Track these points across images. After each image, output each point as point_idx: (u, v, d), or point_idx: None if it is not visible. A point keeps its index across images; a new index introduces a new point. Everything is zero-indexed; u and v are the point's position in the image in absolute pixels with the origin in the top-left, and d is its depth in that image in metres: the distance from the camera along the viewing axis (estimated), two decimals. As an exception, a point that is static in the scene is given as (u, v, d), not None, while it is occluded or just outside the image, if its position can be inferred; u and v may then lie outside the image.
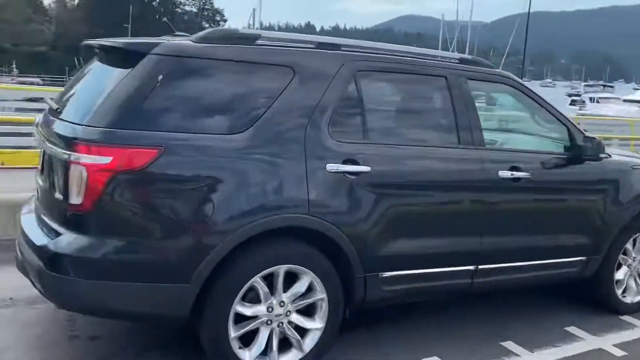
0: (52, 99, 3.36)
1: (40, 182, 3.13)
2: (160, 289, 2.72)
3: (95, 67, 3.23)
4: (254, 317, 2.88)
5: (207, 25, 75.58)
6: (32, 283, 2.91)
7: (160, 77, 2.72)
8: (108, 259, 2.66)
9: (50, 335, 3.40)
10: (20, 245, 3.07)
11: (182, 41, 2.98)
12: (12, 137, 9.80)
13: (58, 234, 2.73)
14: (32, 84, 35.76)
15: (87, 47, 3.32)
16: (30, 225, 3.09)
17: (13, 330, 3.42)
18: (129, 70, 2.76)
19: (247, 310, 2.85)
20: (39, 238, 2.84)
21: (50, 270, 2.66)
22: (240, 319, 2.85)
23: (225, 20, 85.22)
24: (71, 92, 3.28)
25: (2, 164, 7.74)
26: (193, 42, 2.93)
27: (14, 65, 58.41)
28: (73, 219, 2.68)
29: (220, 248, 2.72)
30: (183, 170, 2.73)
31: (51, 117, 3.04)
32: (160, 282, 2.71)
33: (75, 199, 2.61)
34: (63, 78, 52.73)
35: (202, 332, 2.84)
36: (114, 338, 3.39)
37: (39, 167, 3.19)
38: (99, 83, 3.05)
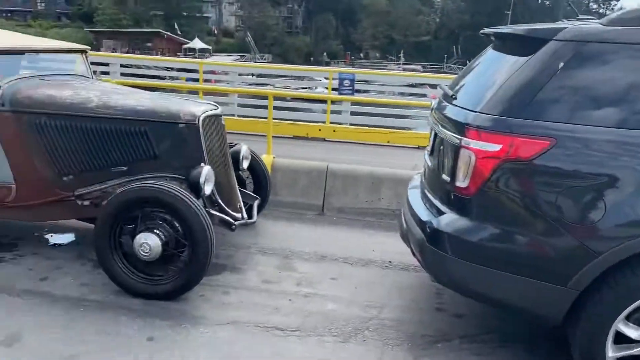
0: (447, 85, 3.59)
1: (429, 162, 3.40)
2: (531, 284, 2.62)
3: (490, 55, 3.28)
4: (638, 342, 2.49)
5: (594, 7, 68.62)
6: (412, 252, 3.22)
7: (561, 64, 2.56)
8: (483, 244, 2.71)
9: (420, 302, 3.74)
10: (405, 217, 3.43)
11: (590, 25, 2.73)
12: (396, 119, 11.10)
13: (441, 213, 2.92)
14: (413, 70, 39.78)
15: (484, 35, 3.40)
16: (415, 200, 3.41)
17: (390, 290, 3.89)
18: (527, 57, 2.69)
19: (631, 332, 2.49)
20: (424, 213, 3.11)
21: (430, 244, 2.88)
22: (621, 339, 2.51)
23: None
24: (465, 79, 3.42)
25: (388, 142, 8.86)
26: (602, 25, 2.64)
27: (401, 54, 65.94)
28: (456, 201, 2.82)
29: (608, 256, 2.43)
30: (573, 165, 2.53)
31: (445, 103, 3.25)
32: (532, 278, 2.61)
33: (461, 182, 2.74)
34: (441, 65, 56.47)
35: (574, 340, 2.62)
36: (478, 320, 3.49)
37: (429, 148, 3.48)
38: (493, 71, 3.08)
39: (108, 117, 3.78)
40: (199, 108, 3.94)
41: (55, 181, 3.84)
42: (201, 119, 3.86)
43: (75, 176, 3.85)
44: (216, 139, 4.06)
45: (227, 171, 4.19)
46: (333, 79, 11.48)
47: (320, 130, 9.35)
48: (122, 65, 11.71)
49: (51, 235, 4.50)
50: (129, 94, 4.02)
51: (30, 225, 4.59)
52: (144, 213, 3.49)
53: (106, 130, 3.78)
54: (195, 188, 3.68)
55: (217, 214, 3.89)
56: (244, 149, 4.57)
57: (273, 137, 8.94)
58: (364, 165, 5.90)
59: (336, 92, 11.12)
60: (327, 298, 3.71)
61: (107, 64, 11.67)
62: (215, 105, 4.11)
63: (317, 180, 5.49)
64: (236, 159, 4.51)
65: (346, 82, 10.83)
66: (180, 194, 3.39)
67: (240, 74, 14.33)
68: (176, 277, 3.50)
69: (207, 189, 3.74)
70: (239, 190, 4.56)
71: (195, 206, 3.40)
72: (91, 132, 3.78)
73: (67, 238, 4.48)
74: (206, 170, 3.70)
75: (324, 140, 9.40)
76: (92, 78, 4.74)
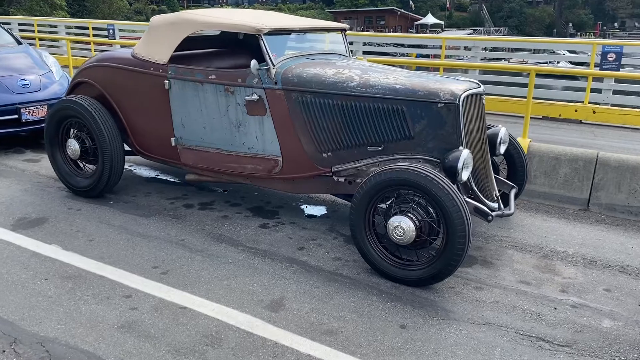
0: None
1: None
2: None
3: None
4: None
5: None
6: None
7: None
8: None
9: None
10: None
11: None
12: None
13: None
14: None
15: None
16: None
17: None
18: None
19: None
20: None
21: None
22: None
23: None
24: None
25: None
26: None
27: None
28: None
29: None
30: None
31: None
32: None
33: None
34: None
35: None
36: None
37: None
38: None
39: (367, 96, 3.74)
40: (459, 87, 3.66)
41: (316, 157, 3.98)
42: (462, 98, 3.57)
43: (333, 153, 3.94)
44: (476, 120, 3.74)
45: (484, 156, 3.84)
46: (596, 53, 10.04)
47: (576, 111, 8.26)
48: (364, 44, 12.01)
49: (306, 207, 4.76)
50: (388, 72, 3.93)
51: (287, 196, 4.93)
52: (399, 195, 3.38)
53: (365, 109, 3.76)
54: (451, 172, 3.44)
55: (473, 202, 3.59)
56: (502, 132, 4.15)
57: (517, 117, 8.23)
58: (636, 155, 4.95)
59: (597, 68, 9.69)
60: (602, 313, 3.15)
61: (351, 43, 12.08)
62: (478, 84, 3.78)
63: (582, 171, 4.76)
64: (493, 142, 4.12)
65: (610, 56, 9.33)
66: (438, 178, 3.18)
67: (471, 48, 13.56)
68: (428, 264, 3.34)
69: (465, 174, 3.47)
70: (495, 177, 4.19)
71: (454, 192, 3.16)
72: (351, 110, 3.80)
73: (319, 210, 4.68)
74: (465, 154, 3.42)
75: (580, 122, 8.30)
76: (350, 56, 4.81)
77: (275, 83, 3.91)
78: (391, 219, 3.36)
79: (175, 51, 4.34)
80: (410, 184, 3.27)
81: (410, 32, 53.99)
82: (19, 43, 7.09)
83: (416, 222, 3.30)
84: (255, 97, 3.96)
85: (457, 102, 3.57)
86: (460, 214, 3.14)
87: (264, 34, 3.93)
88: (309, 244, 4.00)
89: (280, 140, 4.02)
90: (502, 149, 4.20)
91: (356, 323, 3.01)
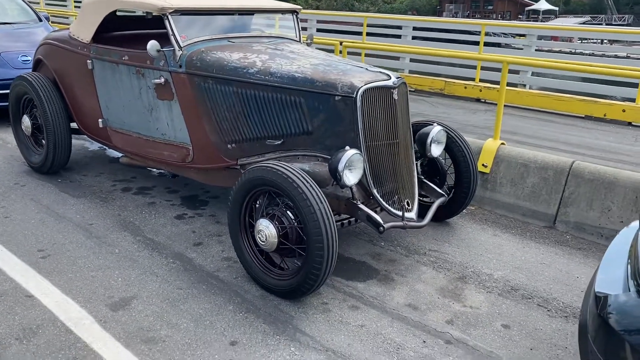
0: None
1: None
2: None
3: None
4: None
5: None
6: None
7: None
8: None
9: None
10: None
11: None
12: None
13: None
14: None
15: None
16: None
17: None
18: None
19: None
20: None
21: None
22: None
23: None
24: None
25: None
26: None
27: None
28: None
29: None
30: None
31: None
32: None
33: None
34: None
35: None
36: None
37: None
38: None
39: (266, 85, 3.40)
40: (363, 77, 3.20)
41: (221, 148, 3.72)
42: (360, 91, 3.12)
43: (237, 145, 3.65)
44: (383, 116, 3.25)
45: (395, 157, 3.33)
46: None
47: (624, 111, 7.16)
48: (414, 29, 11.31)
49: (242, 199, 4.50)
50: (298, 59, 3.53)
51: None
52: (270, 197, 3.04)
53: (263, 99, 3.43)
54: (334, 175, 3.02)
55: (365, 208, 3.15)
56: (434, 131, 3.60)
57: (553, 114, 7.31)
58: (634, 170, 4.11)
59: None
60: (477, 354, 2.62)
61: (399, 27, 11.46)
62: (387, 75, 3.28)
63: (552, 181, 4.04)
64: (423, 142, 3.60)
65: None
66: (297, 178, 2.79)
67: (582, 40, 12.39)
68: (291, 276, 2.98)
69: (350, 177, 3.03)
70: (426, 182, 3.68)
71: (313, 195, 2.76)
72: (251, 99, 3.48)
73: (252, 205, 4.40)
74: (348, 155, 2.98)
75: (629, 125, 7.19)
76: (300, 40, 4.44)
77: (180, 66, 3.68)
78: (257, 222, 3.03)
79: (117, 31, 4.24)
80: (270, 184, 2.91)
81: (520, 19, 50.68)
82: (40, 20, 7.43)
83: (280, 228, 2.94)
84: (162, 80, 3.75)
85: (354, 95, 3.12)
86: (317, 223, 2.74)
87: (170, 14, 3.69)
88: (210, 239, 3.76)
89: (188, 128, 3.79)
90: (436, 151, 3.65)
91: (187, 333, 2.74)
